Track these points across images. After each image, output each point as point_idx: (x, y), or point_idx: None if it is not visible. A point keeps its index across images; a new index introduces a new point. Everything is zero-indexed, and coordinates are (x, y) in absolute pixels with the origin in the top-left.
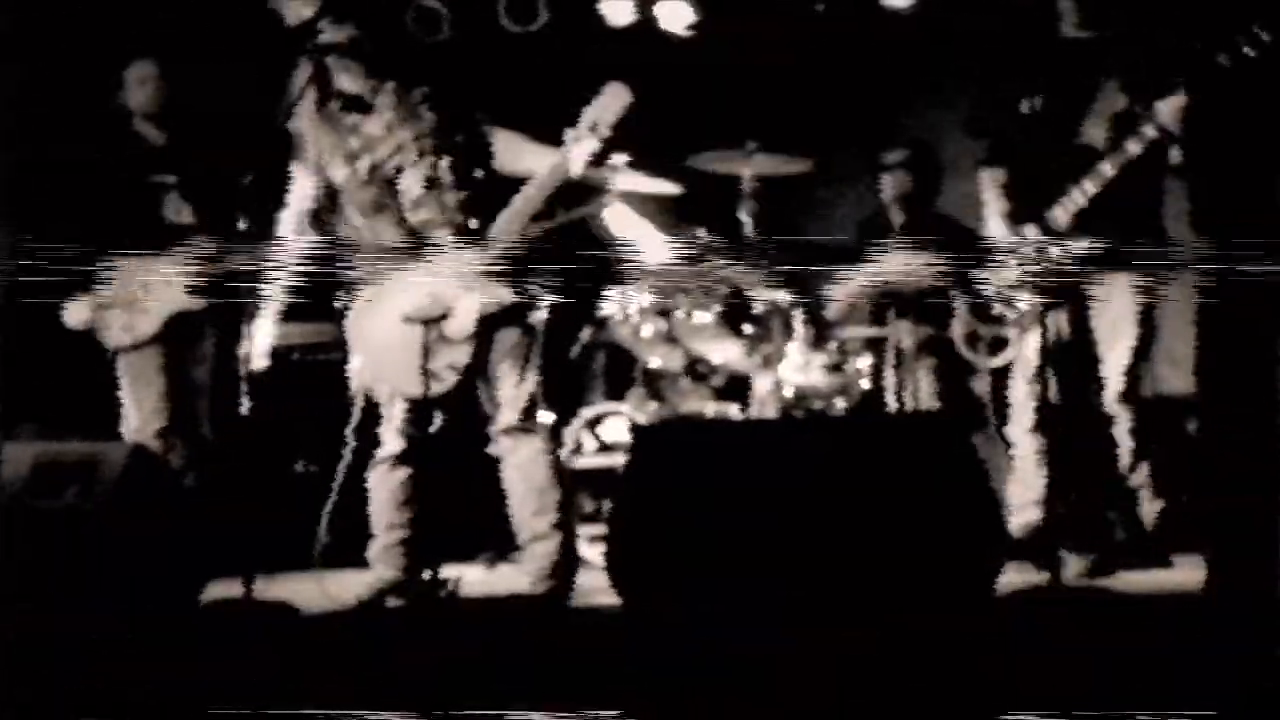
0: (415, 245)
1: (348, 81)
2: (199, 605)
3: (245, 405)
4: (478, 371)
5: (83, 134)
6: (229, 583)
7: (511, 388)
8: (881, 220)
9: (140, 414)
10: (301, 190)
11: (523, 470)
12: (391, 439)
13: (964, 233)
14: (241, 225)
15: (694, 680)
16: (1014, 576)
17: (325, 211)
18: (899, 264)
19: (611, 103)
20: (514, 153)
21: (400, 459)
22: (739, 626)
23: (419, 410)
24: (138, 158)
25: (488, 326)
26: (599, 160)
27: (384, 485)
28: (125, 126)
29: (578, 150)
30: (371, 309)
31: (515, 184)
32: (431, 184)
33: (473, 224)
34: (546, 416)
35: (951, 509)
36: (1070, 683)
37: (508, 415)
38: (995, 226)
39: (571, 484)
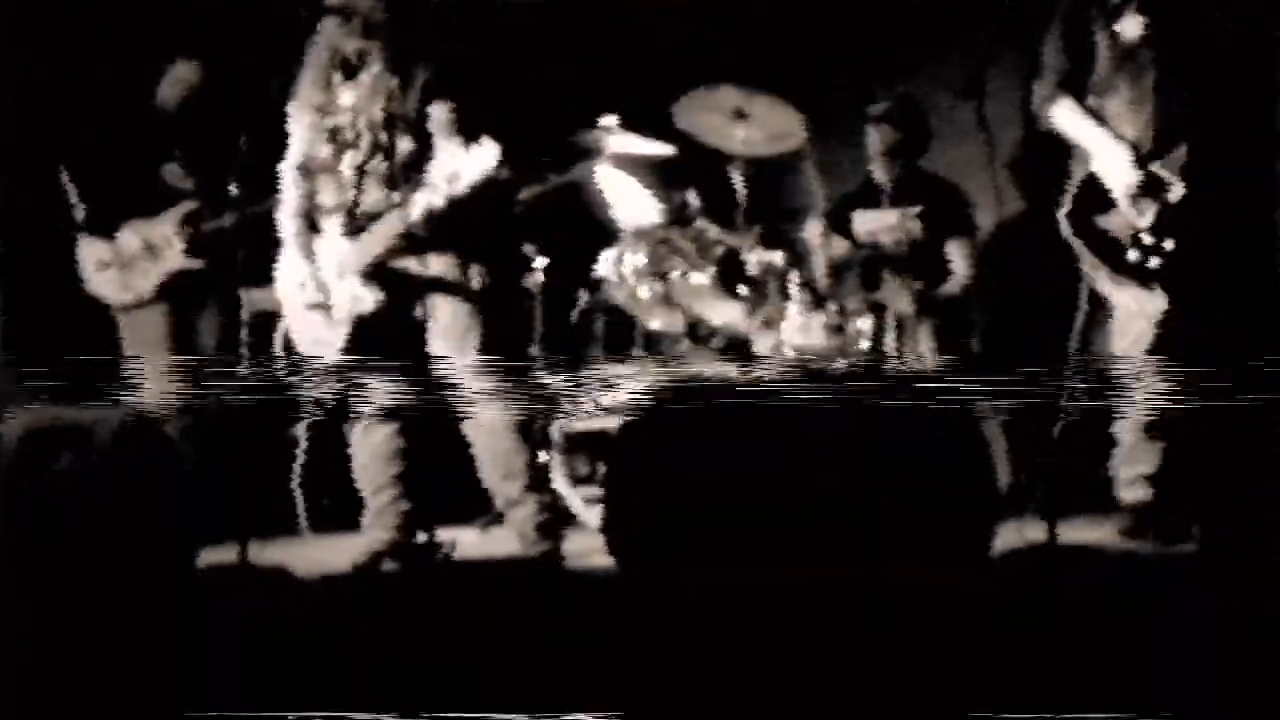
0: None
1: (347, 42)
2: (194, 571)
3: (244, 368)
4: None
5: (96, 100)
6: (224, 548)
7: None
8: (868, 178)
9: (145, 382)
10: (294, 141)
11: (484, 436)
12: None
13: (951, 190)
14: (233, 190)
15: (686, 651)
16: (1011, 537)
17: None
18: (887, 223)
19: (478, 162)
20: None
21: (378, 418)
22: (733, 592)
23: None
24: (150, 125)
25: (366, 317)
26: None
27: (365, 444)
28: (146, 99)
29: (422, 198)
30: (286, 275)
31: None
32: (360, 172)
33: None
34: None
35: (948, 469)
36: (1064, 649)
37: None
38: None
39: (564, 445)
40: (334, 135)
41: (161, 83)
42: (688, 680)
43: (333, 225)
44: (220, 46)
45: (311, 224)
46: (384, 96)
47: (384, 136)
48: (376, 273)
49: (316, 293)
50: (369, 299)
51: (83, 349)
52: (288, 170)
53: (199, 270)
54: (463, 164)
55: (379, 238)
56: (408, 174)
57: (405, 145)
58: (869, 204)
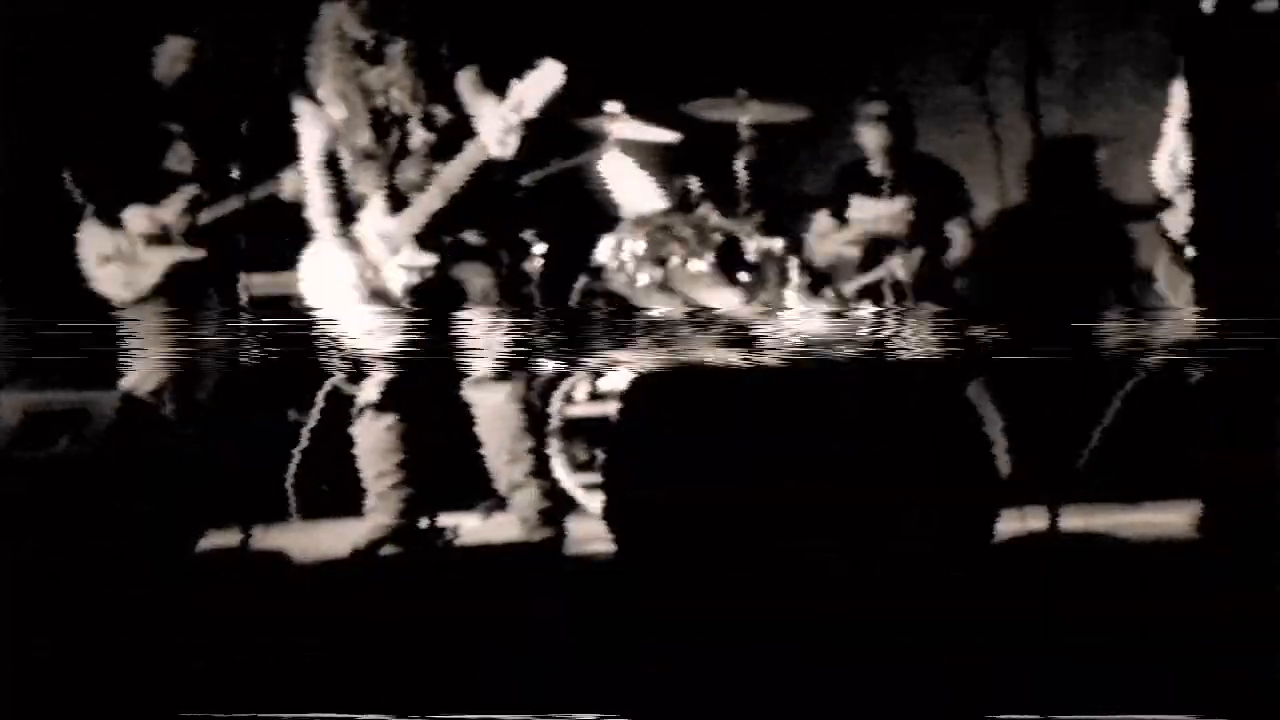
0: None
1: (355, 27)
2: (194, 555)
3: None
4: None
5: (100, 84)
6: (225, 533)
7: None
8: (864, 168)
9: (144, 369)
10: (311, 134)
11: (492, 419)
12: (369, 387)
13: (949, 175)
14: (235, 174)
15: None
16: (1011, 524)
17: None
18: (886, 210)
19: (543, 82)
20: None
21: (380, 406)
22: (733, 576)
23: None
24: (152, 106)
25: (417, 293)
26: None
27: (368, 434)
28: (145, 80)
29: (494, 127)
30: (320, 261)
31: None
32: (401, 150)
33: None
34: (544, 364)
35: (947, 456)
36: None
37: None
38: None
39: (563, 431)
40: (376, 119)
41: (157, 62)
42: (688, 669)
43: (373, 209)
44: (218, 26)
45: (346, 215)
46: (412, 71)
47: (422, 109)
48: (428, 238)
49: (369, 281)
50: (423, 264)
51: (85, 339)
52: (313, 166)
53: (201, 259)
54: (526, 88)
55: (434, 197)
56: (449, 139)
57: (442, 113)
58: (869, 193)
